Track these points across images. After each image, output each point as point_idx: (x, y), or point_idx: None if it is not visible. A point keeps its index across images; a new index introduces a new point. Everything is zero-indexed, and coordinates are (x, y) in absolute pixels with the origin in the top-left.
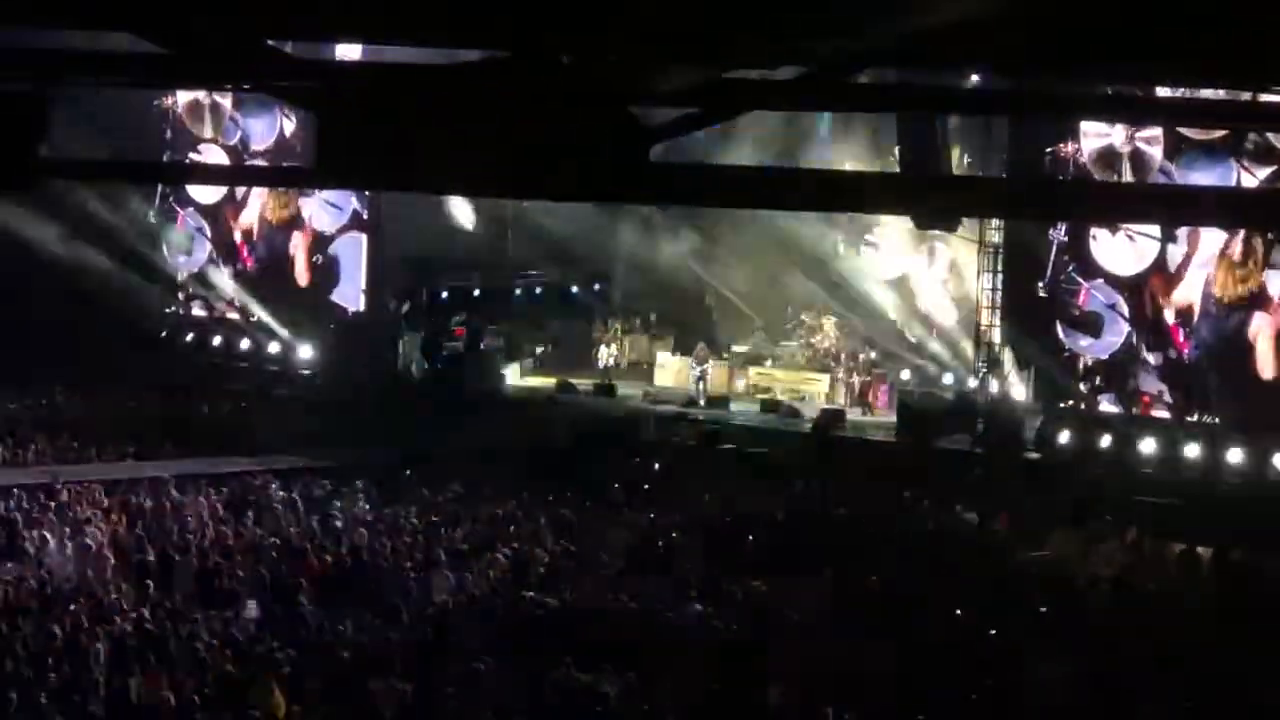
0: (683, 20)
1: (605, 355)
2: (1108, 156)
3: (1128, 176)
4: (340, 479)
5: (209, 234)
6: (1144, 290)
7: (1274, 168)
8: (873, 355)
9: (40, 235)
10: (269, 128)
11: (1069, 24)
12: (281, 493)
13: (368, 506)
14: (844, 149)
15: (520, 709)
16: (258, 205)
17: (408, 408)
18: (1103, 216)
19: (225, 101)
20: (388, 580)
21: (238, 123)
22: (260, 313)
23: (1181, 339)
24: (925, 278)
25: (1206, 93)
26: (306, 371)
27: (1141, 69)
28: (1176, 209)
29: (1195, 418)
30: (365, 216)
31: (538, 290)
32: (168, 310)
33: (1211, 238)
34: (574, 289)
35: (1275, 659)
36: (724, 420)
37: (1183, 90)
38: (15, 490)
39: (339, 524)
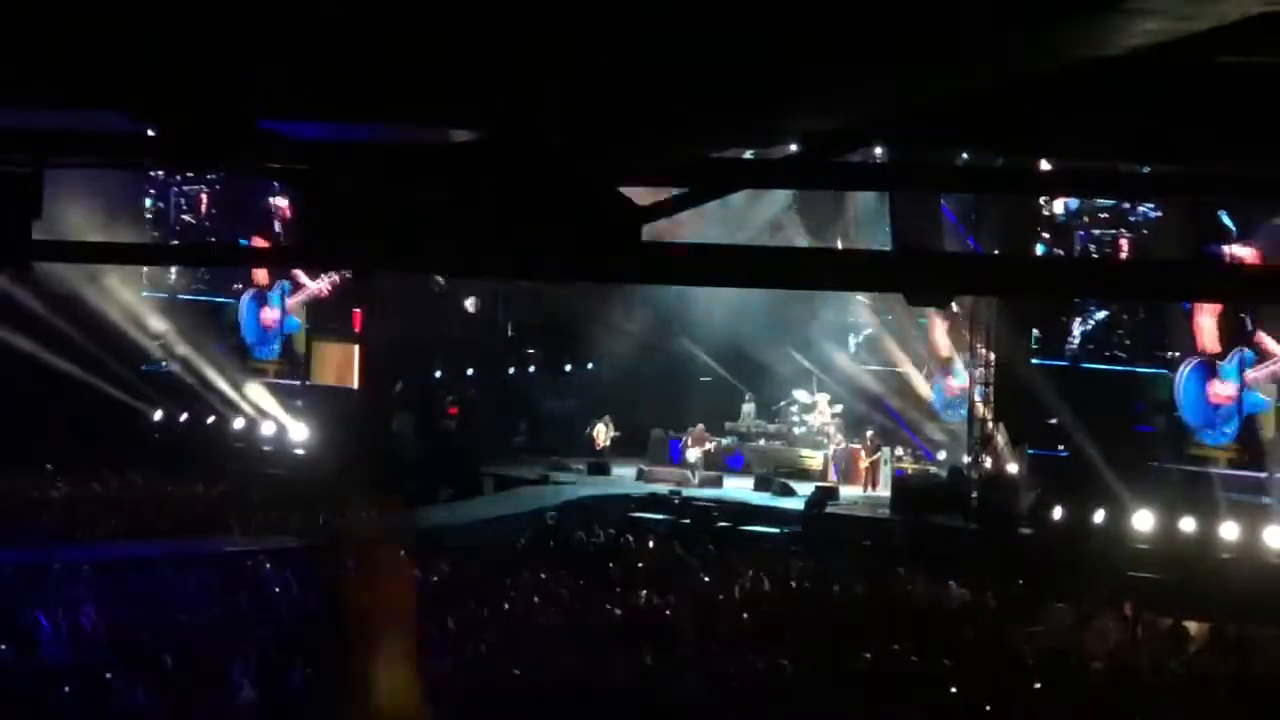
0: (671, 102)
1: (602, 434)
2: None
3: None
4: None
5: None
6: None
7: None
8: (867, 433)
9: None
10: None
11: (1060, 104)
12: (275, 573)
13: None
14: None
15: None
16: None
17: (400, 486)
18: (1100, 294)
19: None
20: None
21: None
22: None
23: None
24: (916, 353)
25: None
26: (300, 451)
27: (1134, 149)
28: (1175, 285)
29: None
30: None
31: (531, 369)
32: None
33: None
34: (568, 367)
35: None
36: (718, 498)
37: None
38: (8, 571)
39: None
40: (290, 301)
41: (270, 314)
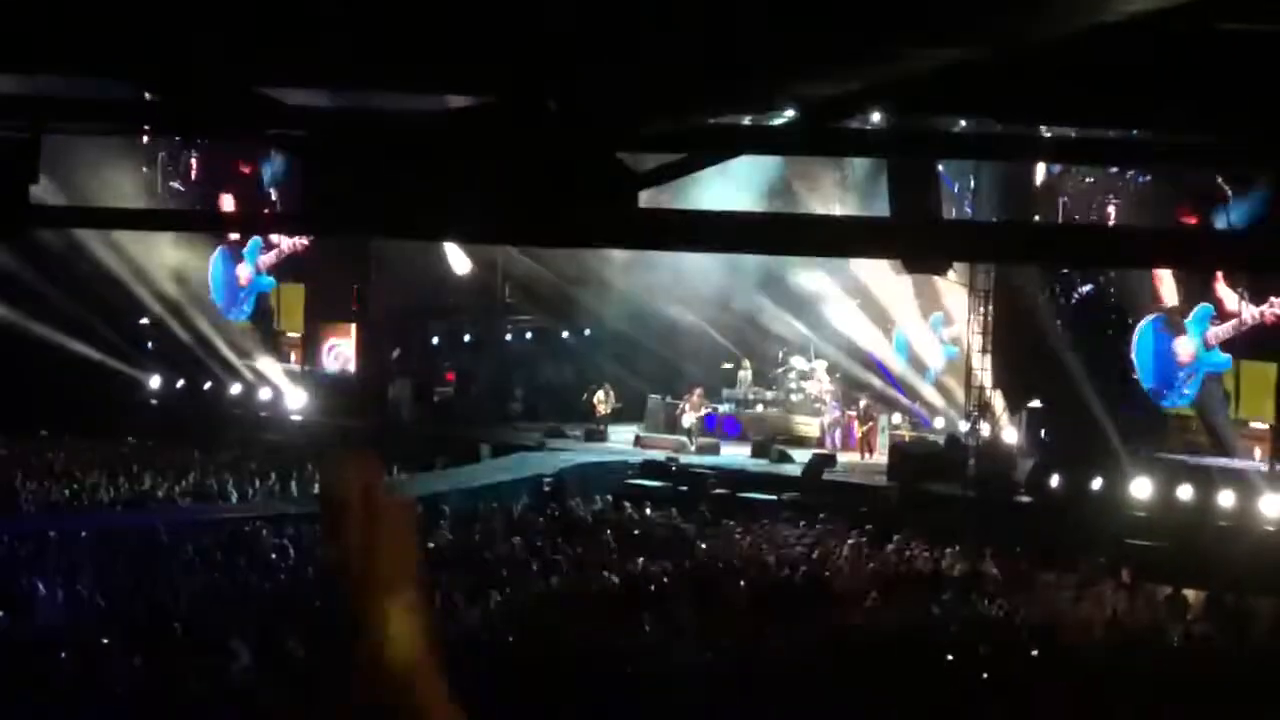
0: (670, 68)
1: (602, 402)
2: None
3: None
4: None
5: None
6: None
7: None
8: (861, 402)
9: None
10: None
11: (1057, 72)
12: (273, 539)
13: None
14: None
15: None
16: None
17: (398, 452)
18: (1098, 261)
19: None
20: None
21: None
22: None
23: None
24: (914, 321)
25: None
26: (298, 418)
27: (1130, 116)
28: (1174, 252)
29: None
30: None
31: (528, 335)
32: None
33: None
34: (565, 334)
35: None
36: (715, 465)
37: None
38: (5, 538)
39: None
40: (261, 259)
41: (244, 270)
